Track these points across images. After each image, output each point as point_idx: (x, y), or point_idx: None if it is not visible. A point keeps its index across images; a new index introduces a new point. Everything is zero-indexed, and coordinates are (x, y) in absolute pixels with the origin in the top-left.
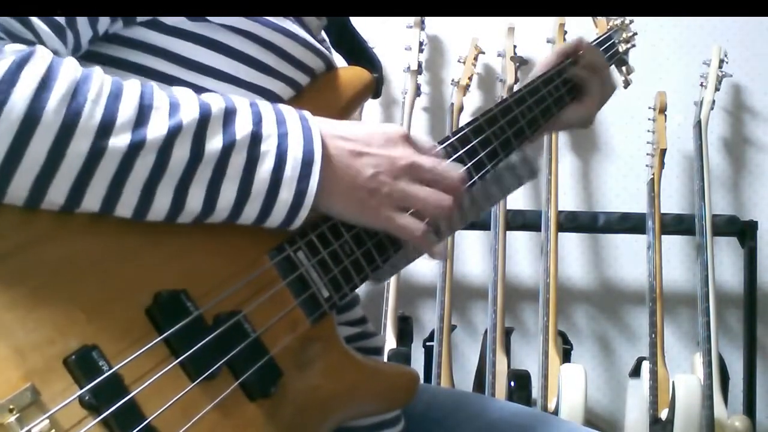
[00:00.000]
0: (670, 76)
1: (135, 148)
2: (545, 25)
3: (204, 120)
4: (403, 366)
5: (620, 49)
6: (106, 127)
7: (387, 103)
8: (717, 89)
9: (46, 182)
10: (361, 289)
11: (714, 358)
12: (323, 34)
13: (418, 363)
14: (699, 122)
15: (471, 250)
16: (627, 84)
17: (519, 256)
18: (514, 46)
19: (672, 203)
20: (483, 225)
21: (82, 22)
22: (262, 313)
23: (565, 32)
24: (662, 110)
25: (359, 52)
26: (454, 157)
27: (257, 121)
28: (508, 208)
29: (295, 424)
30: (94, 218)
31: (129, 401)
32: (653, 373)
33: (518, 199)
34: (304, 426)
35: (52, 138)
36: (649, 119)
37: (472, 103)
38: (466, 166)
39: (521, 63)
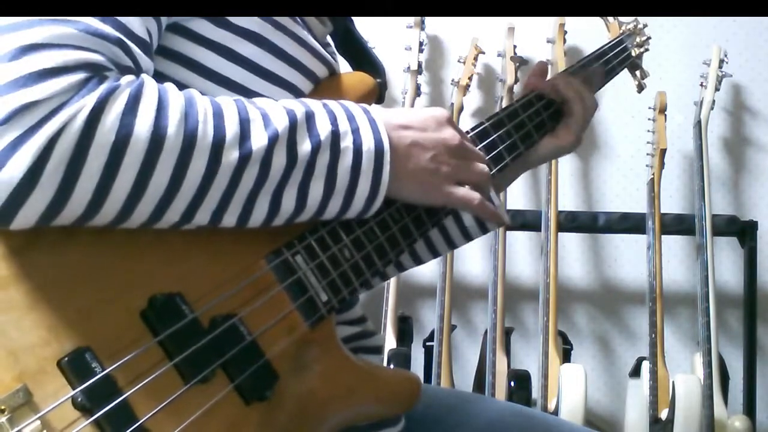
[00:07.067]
0: (670, 76)
1: (243, 161)
2: (545, 25)
3: (293, 126)
4: (405, 371)
5: (633, 54)
6: (218, 145)
7: (387, 103)
8: (717, 89)
9: (168, 204)
10: None
11: (714, 358)
12: (328, 38)
13: (418, 363)
14: (699, 122)
15: (471, 250)
16: (641, 88)
17: (519, 256)
18: (514, 46)
19: (672, 203)
20: None
21: (155, 35)
22: (259, 317)
23: (565, 32)
24: (662, 110)
25: (363, 57)
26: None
27: (333, 120)
28: (508, 208)
29: (291, 428)
30: None
31: (121, 402)
32: (653, 373)
33: (518, 199)
34: (301, 430)
35: (174, 161)
36: (649, 119)
37: (472, 103)
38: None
39: (521, 63)
